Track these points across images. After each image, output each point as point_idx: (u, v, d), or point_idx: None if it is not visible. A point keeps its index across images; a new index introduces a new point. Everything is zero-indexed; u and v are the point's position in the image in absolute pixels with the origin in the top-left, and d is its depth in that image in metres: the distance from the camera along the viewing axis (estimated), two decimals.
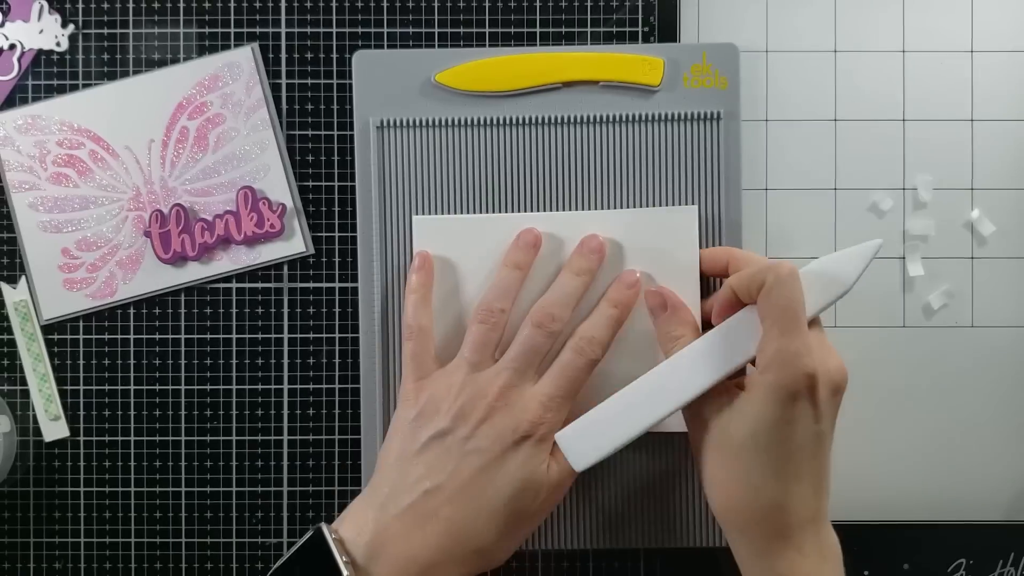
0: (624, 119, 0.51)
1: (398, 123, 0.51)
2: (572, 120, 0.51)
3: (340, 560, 0.42)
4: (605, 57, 0.51)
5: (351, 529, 0.44)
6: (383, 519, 0.43)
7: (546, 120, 0.51)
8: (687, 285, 0.49)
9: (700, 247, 0.50)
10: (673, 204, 0.51)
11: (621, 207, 0.51)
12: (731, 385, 0.44)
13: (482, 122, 0.51)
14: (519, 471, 0.44)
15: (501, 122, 0.51)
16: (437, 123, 0.51)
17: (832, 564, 0.43)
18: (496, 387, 0.45)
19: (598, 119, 0.51)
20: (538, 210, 0.50)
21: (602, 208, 0.51)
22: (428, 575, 0.43)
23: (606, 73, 0.51)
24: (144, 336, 0.53)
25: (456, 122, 0.51)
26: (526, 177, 0.51)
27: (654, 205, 0.51)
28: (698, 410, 0.44)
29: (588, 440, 0.45)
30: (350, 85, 0.52)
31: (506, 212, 0.51)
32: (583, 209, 0.51)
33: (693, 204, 0.50)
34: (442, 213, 0.51)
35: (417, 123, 0.51)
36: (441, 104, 0.51)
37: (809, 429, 0.42)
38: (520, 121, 0.51)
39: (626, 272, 0.49)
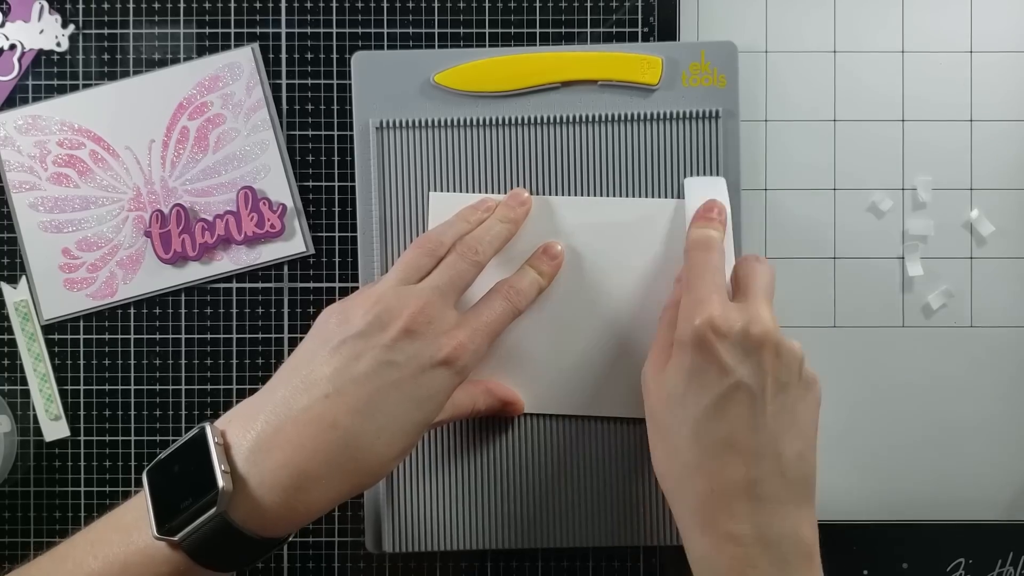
0: (623, 118, 0.51)
1: (397, 124, 0.51)
2: (571, 120, 0.51)
3: (218, 469, 0.38)
4: (603, 56, 0.51)
5: (237, 430, 0.40)
6: (273, 421, 0.40)
7: (545, 120, 0.51)
8: None
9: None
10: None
11: (622, 197, 0.51)
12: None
13: (481, 122, 0.51)
14: (432, 397, 0.42)
15: (500, 122, 0.51)
16: (436, 124, 0.51)
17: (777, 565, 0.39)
18: (421, 301, 0.42)
19: (597, 119, 0.51)
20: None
21: None
22: (310, 486, 0.39)
23: (605, 72, 0.51)
24: (144, 336, 0.53)
25: (455, 122, 0.51)
26: (525, 177, 0.51)
27: (654, 198, 0.51)
28: (644, 382, 0.44)
29: None
30: (350, 85, 0.52)
31: None
32: None
33: None
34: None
35: (416, 124, 0.51)
36: (440, 105, 0.51)
37: (716, 385, 0.40)
38: (519, 121, 0.51)
39: (549, 243, 0.49)
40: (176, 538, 0.38)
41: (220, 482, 0.38)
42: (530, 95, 0.51)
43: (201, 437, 0.40)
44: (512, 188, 0.51)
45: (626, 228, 0.50)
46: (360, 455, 0.40)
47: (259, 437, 0.40)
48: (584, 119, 0.51)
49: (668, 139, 0.51)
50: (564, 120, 0.51)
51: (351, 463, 0.40)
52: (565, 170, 0.51)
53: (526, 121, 0.51)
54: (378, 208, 0.51)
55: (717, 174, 0.51)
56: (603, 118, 0.51)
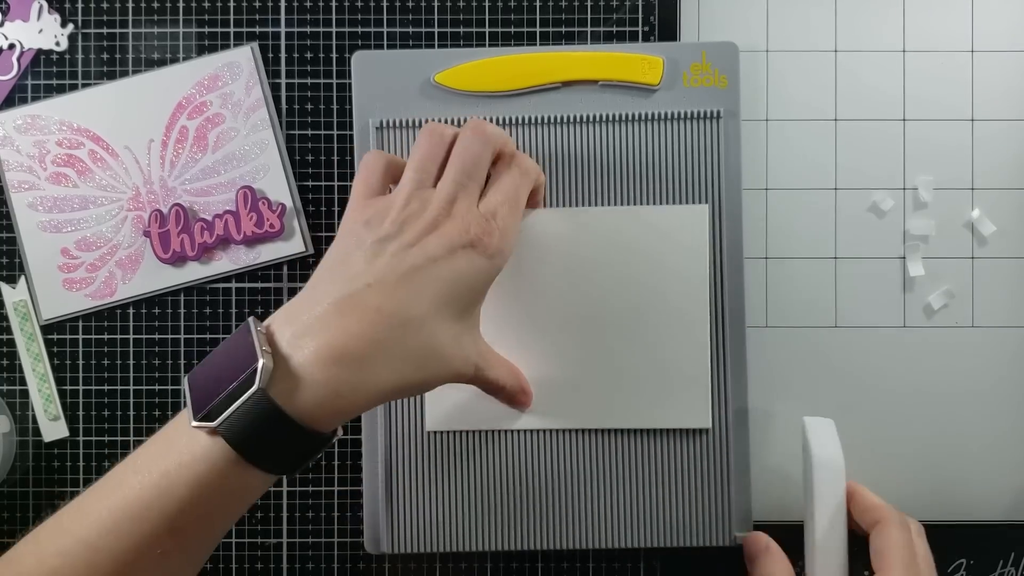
0: (623, 118, 0.51)
1: (397, 124, 0.51)
2: (571, 120, 0.51)
3: (259, 347, 0.38)
4: (604, 56, 0.51)
5: (281, 322, 0.40)
6: (316, 311, 0.39)
7: (545, 120, 0.51)
8: (697, 284, 0.50)
9: (710, 247, 0.50)
10: (672, 204, 0.51)
11: (620, 206, 0.51)
12: None
13: None
14: (468, 283, 0.41)
15: (500, 122, 0.51)
16: None
17: None
18: (442, 199, 0.42)
19: (597, 119, 0.51)
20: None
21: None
22: (357, 367, 0.38)
23: (605, 72, 0.51)
24: (144, 336, 0.53)
25: (455, 122, 0.51)
26: None
27: (654, 205, 0.51)
28: None
29: None
30: (350, 85, 0.52)
31: None
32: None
33: (704, 203, 0.50)
34: None
35: (416, 123, 0.51)
36: (440, 104, 0.51)
37: None
38: (519, 121, 0.51)
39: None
40: (215, 423, 0.37)
41: (260, 359, 0.37)
42: (530, 95, 0.51)
43: (243, 328, 0.39)
44: None
45: (644, 236, 0.50)
46: (407, 340, 0.39)
47: (303, 324, 0.39)
48: (585, 119, 0.51)
49: (669, 139, 0.51)
50: (564, 120, 0.51)
51: (398, 347, 0.39)
52: (565, 170, 0.51)
53: (526, 121, 0.51)
54: None
55: (718, 174, 0.50)
56: (604, 118, 0.51)
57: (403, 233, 0.41)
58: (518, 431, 0.51)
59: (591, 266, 0.50)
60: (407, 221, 0.42)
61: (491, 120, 0.50)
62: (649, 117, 0.51)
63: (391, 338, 0.39)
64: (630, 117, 0.51)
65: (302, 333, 0.39)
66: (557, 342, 0.50)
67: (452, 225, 0.42)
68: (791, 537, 0.52)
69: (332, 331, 0.39)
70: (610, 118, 0.51)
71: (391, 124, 0.51)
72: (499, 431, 0.51)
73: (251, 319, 0.39)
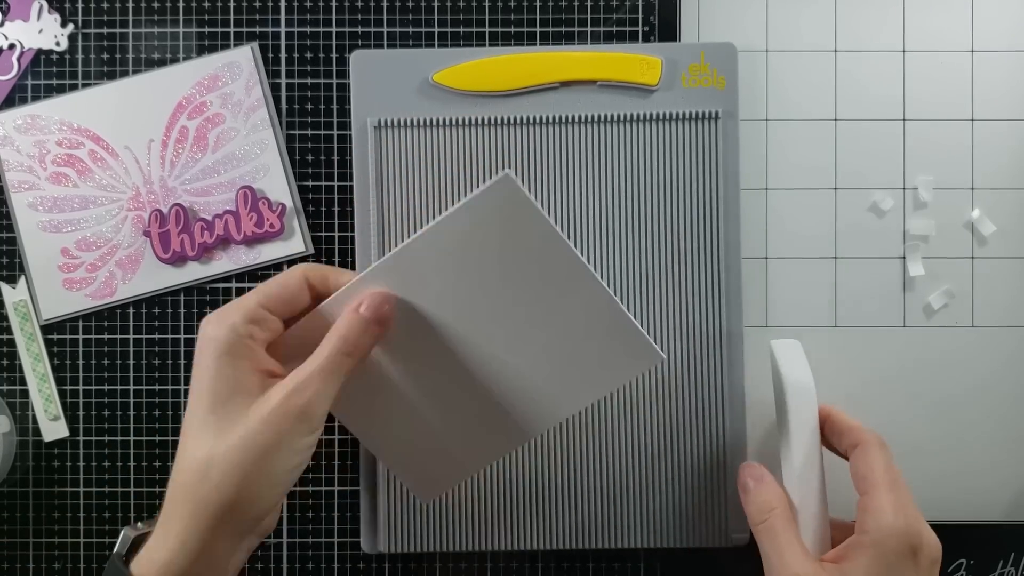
0: (622, 119, 0.51)
1: (396, 123, 0.51)
2: (570, 120, 0.51)
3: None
4: (603, 57, 0.51)
5: None
6: None
7: (544, 120, 0.51)
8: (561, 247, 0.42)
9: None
10: (669, 204, 0.51)
11: (618, 206, 0.50)
12: (831, 559, 0.43)
13: (479, 122, 0.51)
14: (202, 352, 0.41)
15: (498, 122, 0.51)
16: (435, 123, 0.51)
17: None
18: None
19: (596, 119, 0.51)
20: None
21: (603, 208, 0.51)
22: (167, 525, 0.40)
23: (604, 73, 0.51)
24: (144, 336, 0.53)
25: (453, 122, 0.51)
26: (524, 177, 0.51)
27: (651, 205, 0.51)
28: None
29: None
30: (349, 84, 0.52)
31: None
32: (581, 210, 0.51)
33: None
34: (440, 213, 0.51)
35: (415, 123, 0.51)
36: (438, 104, 0.51)
37: None
38: (517, 121, 0.51)
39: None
40: None
41: (124, 529, 0.41)
42: (529, 95, 0.51)
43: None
44: None
45: (488, 229, 0.42)
46: (179, 463, 0.40)
47: None
48: (583, 119, 0.51)
49: (667, 140, 0.51)
50: (563, 120, 0.51)
51: (185, 493, 0.39)
52: (563, 170, 0.51)
53: (525, 121, 0.51)
54: (376, 208, 0.51)
55: (716, 174, 0.51)
56: (602, 118, 0.51)
57: None
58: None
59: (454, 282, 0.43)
60: None
61: (489, 120, 0.51)
62: (647, 117, 0.51)
63: (175, 483, 0.40)
64: (628, 117, 0.51)
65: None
66: (466, 377, 0.45)
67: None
68: None
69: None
70: (608, 118, 0.51)
71: (389, 123, 0.51)
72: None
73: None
